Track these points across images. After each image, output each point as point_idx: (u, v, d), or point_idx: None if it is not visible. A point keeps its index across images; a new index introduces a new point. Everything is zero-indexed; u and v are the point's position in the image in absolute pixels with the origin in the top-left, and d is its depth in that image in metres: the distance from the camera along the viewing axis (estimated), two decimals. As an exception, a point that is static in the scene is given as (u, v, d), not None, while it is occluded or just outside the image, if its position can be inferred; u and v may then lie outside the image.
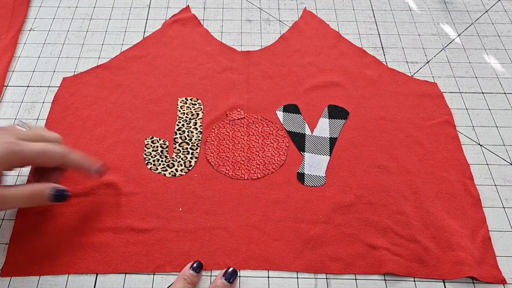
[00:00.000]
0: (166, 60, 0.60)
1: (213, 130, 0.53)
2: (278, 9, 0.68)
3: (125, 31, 0.64)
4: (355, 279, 0.43)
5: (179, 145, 0.51)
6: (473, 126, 0.54)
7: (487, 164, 0.51)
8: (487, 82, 0.58)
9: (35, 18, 0.66)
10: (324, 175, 0.49)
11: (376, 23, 0.66)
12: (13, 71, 0.59)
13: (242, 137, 0.52)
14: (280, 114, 0.54)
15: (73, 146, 0.51)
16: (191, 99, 0.56)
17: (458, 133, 0.53)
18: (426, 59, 0.61)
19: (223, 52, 0.61)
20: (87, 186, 0.48)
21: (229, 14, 0.67)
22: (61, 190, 0.42)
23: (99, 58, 0.61)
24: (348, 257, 0.44)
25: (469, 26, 0.65)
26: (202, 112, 0.54)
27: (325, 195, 0.48)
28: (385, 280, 0.42)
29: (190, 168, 0.50)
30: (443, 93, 0.57)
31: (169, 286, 0.42)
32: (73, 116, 0.54)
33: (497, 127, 0.54)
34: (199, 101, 0.55)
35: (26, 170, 0.50)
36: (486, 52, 0.62)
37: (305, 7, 0.67)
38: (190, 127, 0.53)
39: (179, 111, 0.55)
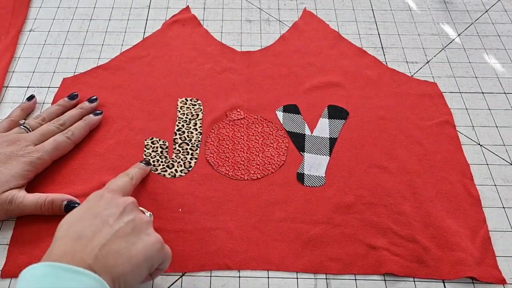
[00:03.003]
0: (166, 61, 0.60)
1: (213, 131, 0.53)
2: (278, 9, 0.68)
3: (125, 32, 0.64)
4: (355, 279, 0.43)
5: (179, 146, 0.51)
6: (473, 126, 0.54)
7: (487, 164, 0.51)
8: (487, 82, 0.58)
9: (35, 19, 0.66)
10: (324, 175, 0.49)
11: (376, 23, 0.66)
12: (13, 72, 0.59)
13: (242, 138, 0.52)
14: (280, 114, 0.54)
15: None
16: (191, 100, 0.56)
17: (458, 133, 0.53)
18: (426, 59, 0.61)
19: (223, 53, 0.61)
20: (87, 187, 0.48)
21: (229, 14, 0.67)
22: (75, 202, 0.45)
23: (99, 58, 0.61)
24: (348, 257, 0.44)
25: (469, 26, 0.65)
26: (202, 112, 0.54)
27: (325, 196, 0.48)
28: (384, 280, 0.42)
29: (190, 168, 0.50)
30: (443, 93, 0.57)
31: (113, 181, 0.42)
32: (73, 117, 0.54)
33: (497, 127, 0.54)
34: (199, 101, 0.55)
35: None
36: (486, 52, 0.62)
37: (305, 7, 0.67)
38: (190, 127, 0.53)
39: (179, 111, 0.55)
